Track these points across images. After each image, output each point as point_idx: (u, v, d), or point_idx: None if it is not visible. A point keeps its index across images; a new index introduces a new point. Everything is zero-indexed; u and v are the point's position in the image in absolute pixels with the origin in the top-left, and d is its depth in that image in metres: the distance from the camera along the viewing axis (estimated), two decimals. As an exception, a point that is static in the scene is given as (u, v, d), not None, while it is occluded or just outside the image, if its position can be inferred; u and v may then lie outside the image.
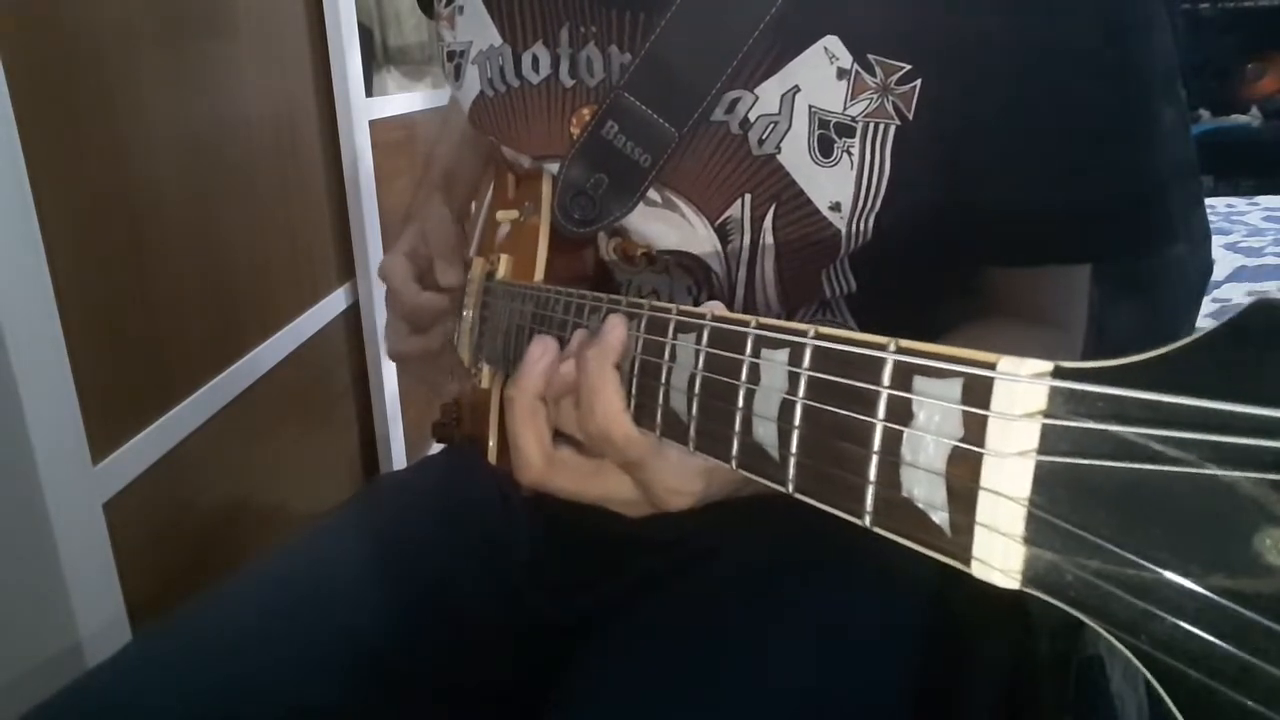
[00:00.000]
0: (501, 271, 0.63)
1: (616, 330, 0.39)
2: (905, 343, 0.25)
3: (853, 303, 0.57)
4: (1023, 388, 0.21)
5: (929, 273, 0.55)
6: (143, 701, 0.49)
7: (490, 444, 0.63)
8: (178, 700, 0.50)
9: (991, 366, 0.22)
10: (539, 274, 0.59)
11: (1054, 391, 0.21)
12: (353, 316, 1.46)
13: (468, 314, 0.68)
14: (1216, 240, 1.44)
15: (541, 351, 0.41)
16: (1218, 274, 1.47)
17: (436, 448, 0.78)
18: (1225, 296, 1.41)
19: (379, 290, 1.46)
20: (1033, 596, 0.21)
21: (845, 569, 0.57)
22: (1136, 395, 0.19)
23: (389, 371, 1.52)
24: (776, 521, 0.51)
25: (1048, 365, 0.21)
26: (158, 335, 0.93)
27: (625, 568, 0.60)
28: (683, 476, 0.40)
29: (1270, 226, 1.82)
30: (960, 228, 0.50)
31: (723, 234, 0.53)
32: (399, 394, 1.57)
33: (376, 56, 1.58)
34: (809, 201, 0.50)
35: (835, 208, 0.50)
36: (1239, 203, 2.01)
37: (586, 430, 0.39)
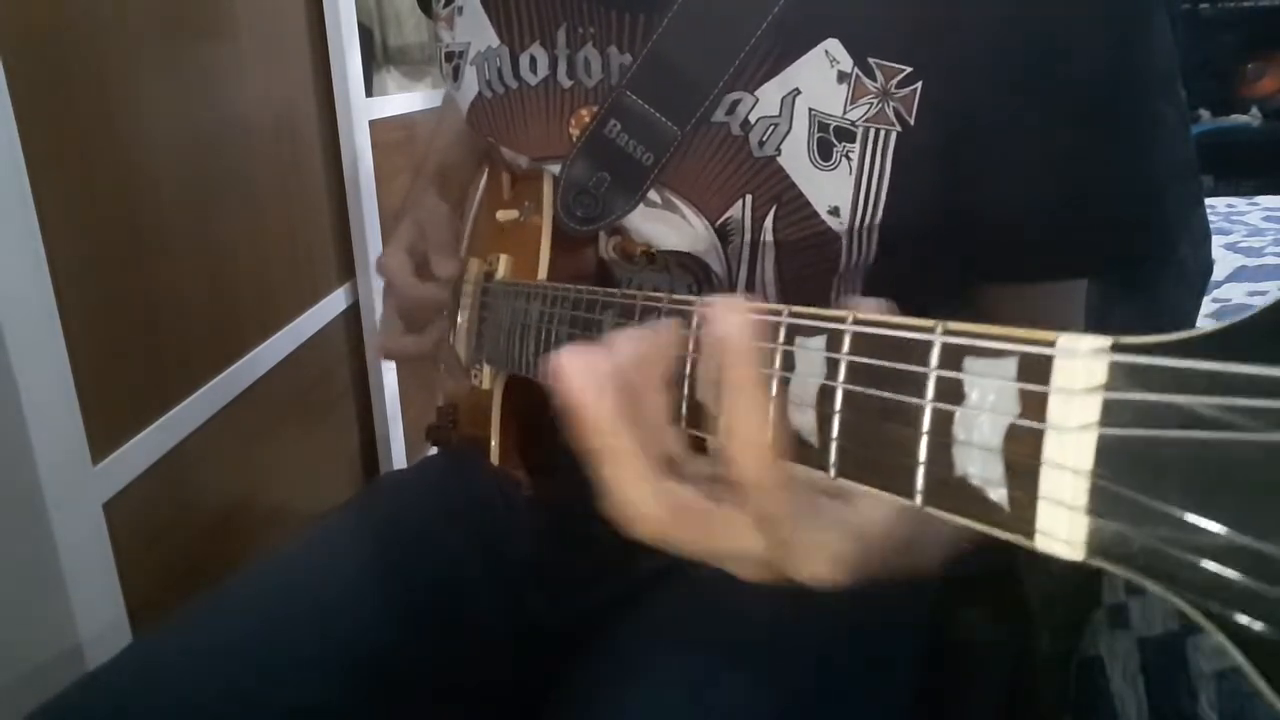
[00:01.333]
0: (501, 271, 0.63)
1: (738, 318, 0.30)
2: (953, 325, 0.25)
3: None
4: (1082, 363, 0.21)
5: (930, 285, 0.55)
6: (143, 703, 0.49)
7: (493, 444, 0.63)
8: (178, 702, 0.50)
9: (1050, 343, 0.22)
10: (542, 273, 0.59)
11: (1115, 365, 0.21)
12: (353, 316, 1.46)
13: (465, 314, 0.68)
14: (1216, 240, 1.44)
15: (650, 338, 0.32)
16: (1218, 274, 1.46)
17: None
18: (1225, 296, 1.41)
19: (379, 290, 1.46)
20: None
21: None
22: (1200, 365, 0.19)
23: (389, 371, 1.52)
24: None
25: (1106, 340, 0.21)
26: (158, 335, 0.93)
27: (626, 568, 0.60)
28: (836, 539, 0.31)
29: (1270, 226, 1.82)
30: (960, 238, 0.50)
31: (723, 235, 0.53)
32: (399, 394, 1.57)
33: (376, 56, 1.57)
34: (808, 204, 0.50)
35: (834, 212, 0.50)
36: (1239, 203, 2.01)
37: (729, 466, 0.30)
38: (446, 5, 0.62)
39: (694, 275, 0.56)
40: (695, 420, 0.34)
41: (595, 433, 0.31)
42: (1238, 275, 1.49)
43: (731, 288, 0.55)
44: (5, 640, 0.77)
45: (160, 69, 0.94)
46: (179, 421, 0.95)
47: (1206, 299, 0.77)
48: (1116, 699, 0.61)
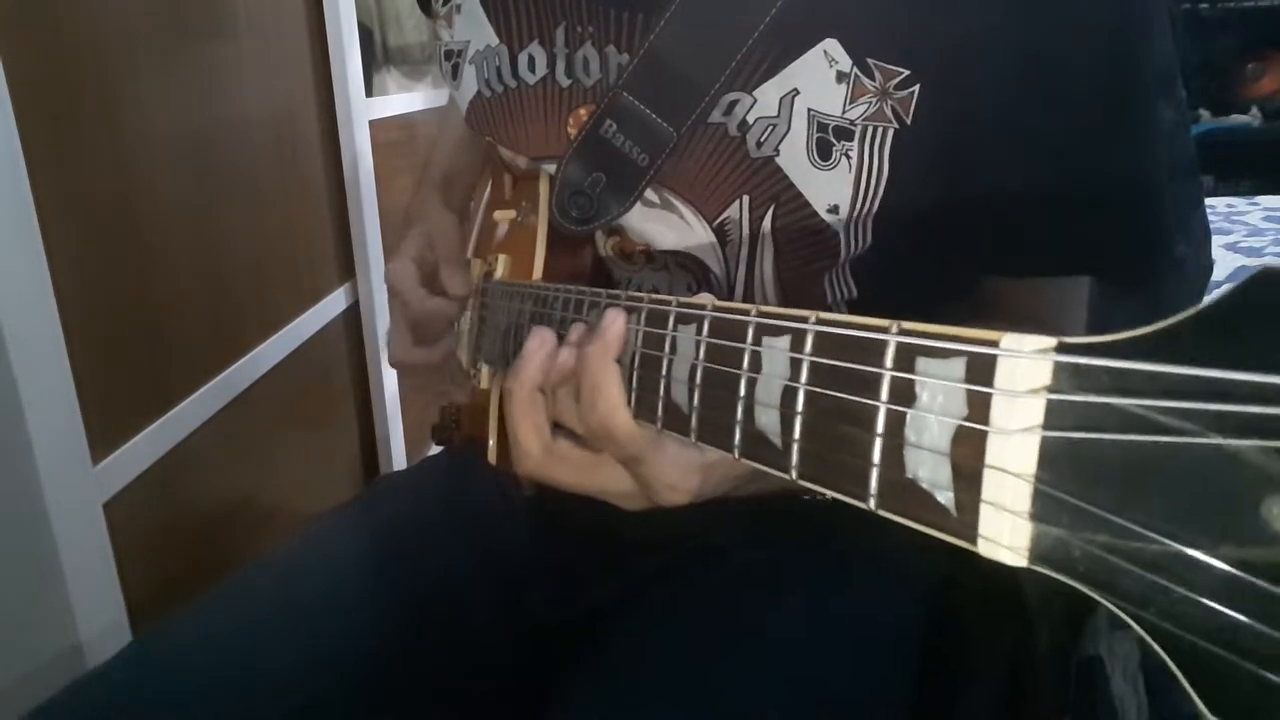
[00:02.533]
0: (500, 271, 0.63)
1: (616, 324, 0.39)
2: (908, 324, 0.25)
3: (854, 308, 0.57)
4: (1026, 364, 0.21)
5: (928, 280, 0.55)
6: (143, 702, 0.49)
7: (490, 444, 0.63)
8: (178, 701, 0.50)
9: (994, 344, 0.22)
10: (537, 273, 0.59)
11: (1058, 367, 0.21)
12: (353, 316, 1.46)
13: (467, 314, 0.68)
14: (1216, 240, 1.43)
15: (539, 343, 0.41)
16: (1218, 274, 1.46)
17: (437, 449, 0.78)
18: (1225, 296, 1.40)
19: (379, 290, 1.46)
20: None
21: (846, 568, 0.57)
22: (1140, 367, 0.19)
23: (389, 371, 1.52)
24: (777, 520, 0.51)
25: (1050, 341, 0.21)
26: (158, 335, 0.93)
27: (625, 567, 0.60)
28: (680, 472, 0.40)
29: (1270, 226, 1.82)
30: (958, 234, 0.50)
31: (721, 234, 0.53)
32: (399, 394, 1.57)
33: (376, 56, 1.57)
34: (807, 204, 0.50)
35: (833, 210, 0.50)
36: (1239, 203, 2.00)
37: (587, 424, 0.39)
38: (445, 4, 0.62)
39: (693, 275, 0.56)
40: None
41: (515, 379, 0.41)
42: (1238, 275, 1.49)
43: (730, 287, 0.55)
44: (5, 640, 0.77)
45: (160, 69, 0.94)
46: (179, 421, 0.95)
47: (1207, 299, 0.77)
48: (1116, 699, 0.61)
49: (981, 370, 0.22)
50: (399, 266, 0.65)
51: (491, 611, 0.62)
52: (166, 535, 0.94)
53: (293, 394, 1.24)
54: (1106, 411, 0.19)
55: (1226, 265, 1.53)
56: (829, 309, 0.56)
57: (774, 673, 0.51)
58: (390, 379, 1.54)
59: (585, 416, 0.39)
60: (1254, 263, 1.54)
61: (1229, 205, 1.99)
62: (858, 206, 0.50)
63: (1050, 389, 0.21)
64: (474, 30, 0.59)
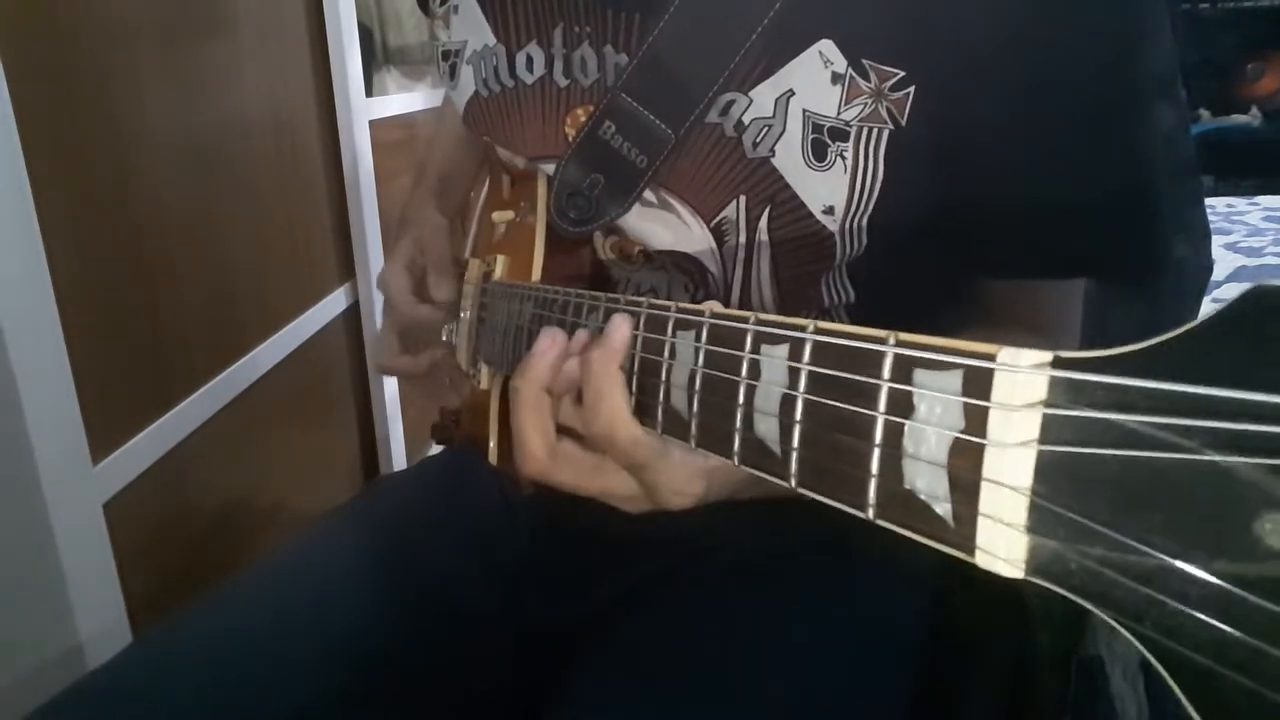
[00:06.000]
0: (498, 272, 0.63)
1: (620, 331, 0.39)
2: (905, 336, 0.25)
3: (852, 312, 0.57)
4: (1023, 378, 0.21)
5: (926, 283, 0.55)
6: (143, 703, 0.49)
7: (491, 444, 0.63)
8: (178, 702, 0.50)
9: (991, 358, 0.22)
10: (536, 274, 0.59)
11: (1054, 381, 0.21)
12: (352, 316, 1.46)
13: (465, 315, 0.68)
14: (1216, 240, 1.44)
15: (549, 343, 0.41)
16: (1218, 274, 1.46)
17: (437, 448, 0.78)
18: (1225, 297, 1.40)
19: (380, 293, 1.46)
20: (1033, 595, 0.21)
21: (845, 568, 0.57)
22: (1136, 384, 0.19)
23: (389, 372, 1.52)
24: (776, 521, 0.51)
25: (1047, 355, 0.21)
26: (158, 335, 0.93)
27: (625, 568, 0.60)
28: (685, 478, 0.40)
29: (1270, 226, 1.82)
30: (955, 236, 0.50)
31: (718, 235, 0.53)
32: (399, 394, 1.57)
33: (376, 56, 1.57)
34: (802, 204, 0.50)
35: (828, 211, 0.50)
36: (1239, 203, 2.00)
37: (591, 431, 0.40)
38: (443, 4, 0.62)
39: (690, 276, 0.56)
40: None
41: (522, 379, 0.41)
42: (1238, 275, 1.49)
43: (727, 288, 0.55)
44: (5, 640, 0.77)
45: (160, 69, 0.94)
46: (179, 421, 0.95)
47: (1206, 299, 0.77)
48: (1116, 699, 0.61)
49: (979, 383, 0.22)
50: (392, 273, 0.66)
51: (491, 611, 0.62)
52: (166, 535, 0.94)
53: (293, 394, 1.24)
54: (1103, 426, 0.19)
55: (1226, 265, 1.53)
56: (826, 312, 0.56)
57: (774, 674, 0.51)
58: (390, 379, 1.54)
59: (588, 423, 0.39)
60: (1254, 263, 1.54)
61: (1229, 205, 1.99)
62: (853, 208, 0.50)
63: (1047, 403, 0.21)
64: (471, 30, 0.59)
